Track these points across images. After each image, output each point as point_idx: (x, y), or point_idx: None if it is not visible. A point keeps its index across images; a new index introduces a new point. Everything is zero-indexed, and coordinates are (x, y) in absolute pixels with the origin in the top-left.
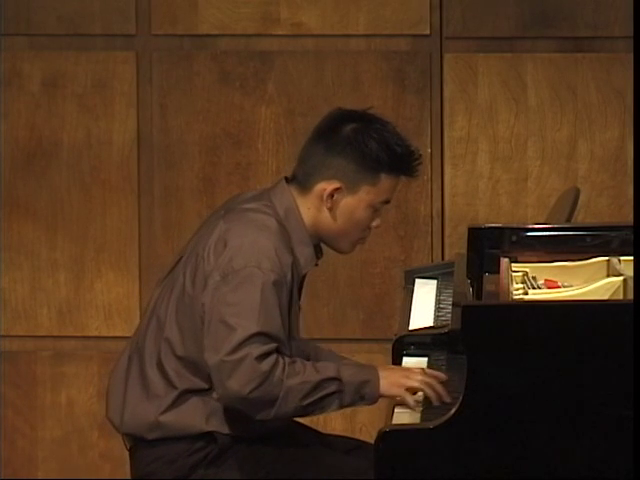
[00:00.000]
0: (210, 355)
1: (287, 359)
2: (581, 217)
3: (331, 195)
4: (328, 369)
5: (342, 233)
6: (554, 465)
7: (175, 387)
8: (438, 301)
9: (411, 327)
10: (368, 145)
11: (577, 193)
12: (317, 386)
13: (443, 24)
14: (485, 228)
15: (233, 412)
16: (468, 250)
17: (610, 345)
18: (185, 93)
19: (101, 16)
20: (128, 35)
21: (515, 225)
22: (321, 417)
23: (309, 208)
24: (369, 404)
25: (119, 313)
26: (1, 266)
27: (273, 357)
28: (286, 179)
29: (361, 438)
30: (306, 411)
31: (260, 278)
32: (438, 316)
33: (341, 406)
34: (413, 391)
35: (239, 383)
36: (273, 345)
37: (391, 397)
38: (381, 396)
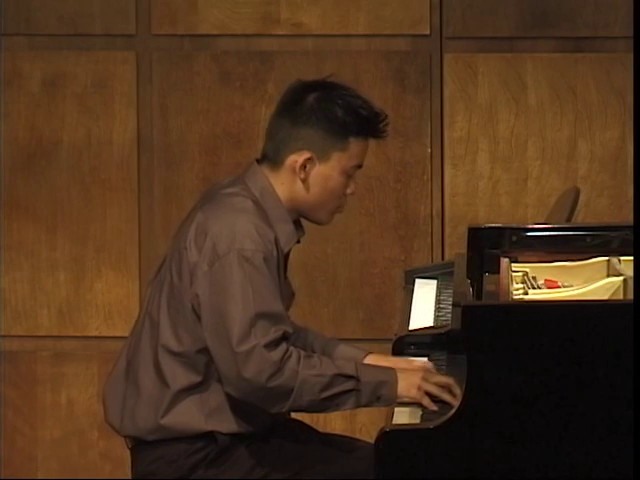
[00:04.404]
0: (217, 348)
1: (302, 352)
2: (581, 217)
3: (303, 166)
4: (346, 366)
5: (319, 203)
6: (554, 465)
7: (169, 387)
8: (438, 301)
9: (411, 327)
10: (333, 111)
11: (577, 193)
12: (333, 380)
13: (443, 24)
14: (485, 228)
15: (232, 411)
16: (468, 250)
17: (610, 345)
18: (185, 93)
19: (101, 16)
20: (128, 35)
21: (515, 225)
22: (321, 417)
23: (283, 183)
24: (386, 405)
25: (119, 313)
26: (1, 266)
27: (283, 346)
28: (257, 161)
29: (361, 438)
30: (322, 406)
31: (246, 259)
32: (438, 316)
33: (357, 405)
34: (430, 393)
35: (252, 373)
36: (279, 331)
37: (409, 399)
38: (398, 398)
